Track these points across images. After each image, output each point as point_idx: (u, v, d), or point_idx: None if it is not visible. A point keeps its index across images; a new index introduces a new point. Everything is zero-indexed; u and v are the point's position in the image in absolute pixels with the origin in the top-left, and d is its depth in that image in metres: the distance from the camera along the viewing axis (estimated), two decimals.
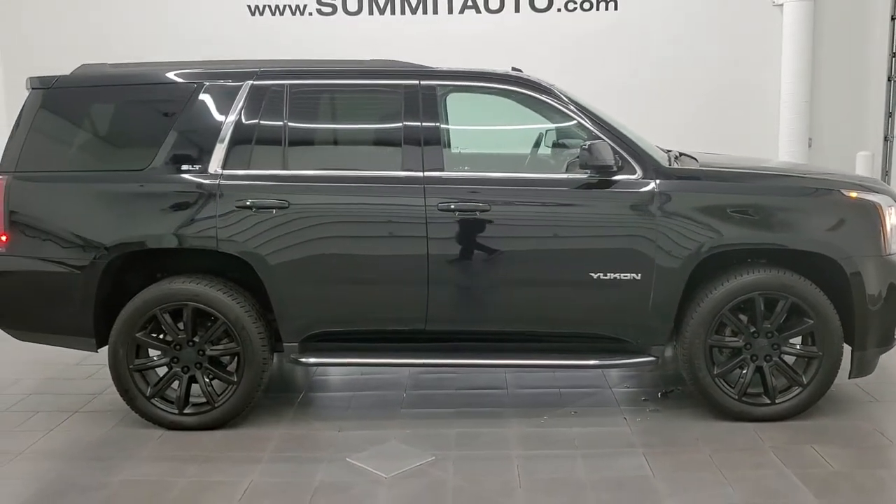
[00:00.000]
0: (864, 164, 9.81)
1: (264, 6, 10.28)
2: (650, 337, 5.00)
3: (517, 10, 10.24)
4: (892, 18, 9.90)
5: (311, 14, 10.31)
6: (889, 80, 10.00)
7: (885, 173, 10.08)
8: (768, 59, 10.11)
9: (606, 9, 10.21)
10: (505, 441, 4.83)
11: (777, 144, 10.12)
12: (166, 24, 10.13)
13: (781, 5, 9.96)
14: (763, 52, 10.15)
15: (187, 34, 9.97)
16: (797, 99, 9.95)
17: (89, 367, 6.18)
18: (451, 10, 10.25)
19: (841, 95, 10.22)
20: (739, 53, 10.19)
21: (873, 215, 4.92)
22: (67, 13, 10.26)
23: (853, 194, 4.97)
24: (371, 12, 10.29)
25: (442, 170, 4.92)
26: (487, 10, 10.24)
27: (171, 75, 5.14)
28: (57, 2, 10.30)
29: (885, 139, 10.11)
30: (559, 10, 10.22)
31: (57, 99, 5.09)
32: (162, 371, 5.06)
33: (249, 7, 10.27)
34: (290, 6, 10.28)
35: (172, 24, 10.13)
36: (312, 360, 5.07)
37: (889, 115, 10.05)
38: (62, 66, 5.43)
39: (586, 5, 10.20)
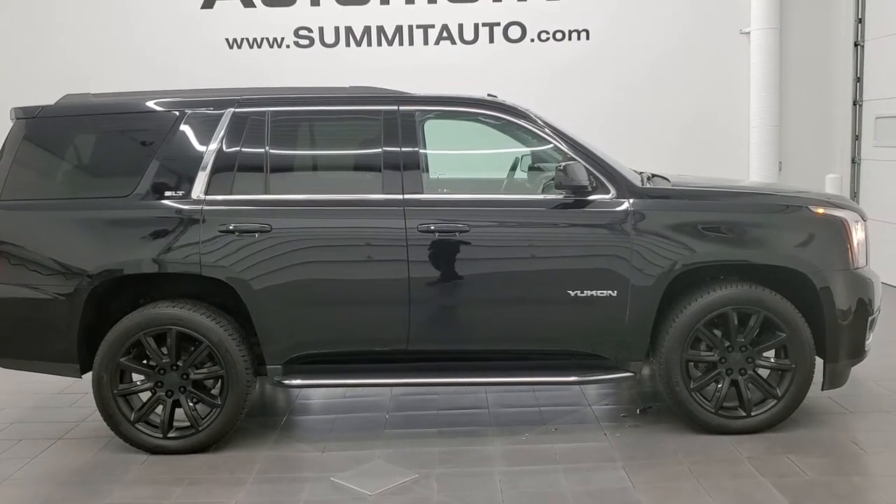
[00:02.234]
0: (832, 187, 10.03)
1: (242, 39, 10.41)
2: (627, 353, 5.10)
3: (491, 41, 10.44)
4: (856, 45, 10.18)
5: (288, 46, 10.46)
6: (854, 104, 10.27)
7: (854, 195, 10.31)
8: (737, 85, 10.38)
9: (579, 39, 10.44)
10: (487, 458, 4.89)
11: (748, 168, 10.35)
12: (145, 58, 10.22)
13: (748, 33, 10.24)
14: (732, 79, 10.41)
15: (166, 67, 10.06)
16: (766, 124, 10.20)
17: (72, 395, 6.20)
18: (426, 42, 10.44)
19: (809, 120, 10.51)
20: (709, 81, 10.45)
21: (840, 230, 5.08)
22: (46, 46, 10.35)
23: (820, 210, 5.13)
24: (348, 44, 10.45)
25: (421, 192, 5.03)
26: (463, 41, 10.43)
27: (153, 104, 5.23)
28: (35, 35, 10.38)
29: (853, 161, 10.36)
30: (532, 40, 10.44)
31: (41, 128, 5.17)
32: (145, 395, 5.09)
33: (227, 40, 10.40)
34: (267, 39, 10.42)
35: (151, 57, 10.23)
36: (296, 382, 5.11)
37: (856, 138, 10.30)
38: (41, 98, 5.50)
39: (559, 35, 10.41)
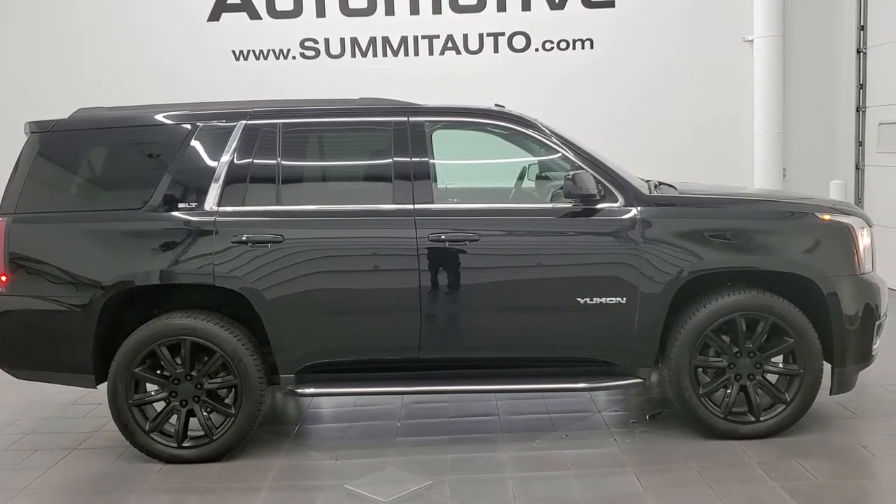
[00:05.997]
0: (837, 193, 10.05)
1: (248, 51, 10.49)
2: (637, 359, 5.15)
3: (496, 50, 10.51)
4: (859, 52, 10.24)
5: (294, 58, 10.53)
6: (858, 110, 10.31)
7: (858, 201, 10.35)
8: (740, 93, 10.44)
9: (583, 48, 10.50)
10: (499, 465, 4.94)
11: (752, 175, 10.40)
12: (152, 70, 10.30)
13: (752, 41, 10.30)
14: (735, 86, 10.47)
15: (173, 79, 10.14)
16: (770, 131, 10.25)
17: (86, 405, 6.25)
18: (431, 52, 10.52)
19: (812, 126, 10.56)
20: (712, 88, 10.50)
21: (846, 237, 5.13)
22: (55, 60, 10.43)
23: (826, 217, 5.18)
24: (353, 55, 10.52)
25: (432, 202, 5.08)
26: (467, 51, 10.50)
27: (166, 117, 5.28)
28: (45, 49, 10.47)
29: (857, 167, 10.40)
30: (537, 49, 10.50)
31: (55, 142, 5.23)
32: (160, 405, 5.14)
33: (234, 52, 10.48)
34: (273, 50, 10.50)
35: (158, 69, 10.30)
36: (309, 390, 5.16)
37: (859, 144, 10.34)
38: (51, 111, 5.57)
39: (563, 45, 10.48)
